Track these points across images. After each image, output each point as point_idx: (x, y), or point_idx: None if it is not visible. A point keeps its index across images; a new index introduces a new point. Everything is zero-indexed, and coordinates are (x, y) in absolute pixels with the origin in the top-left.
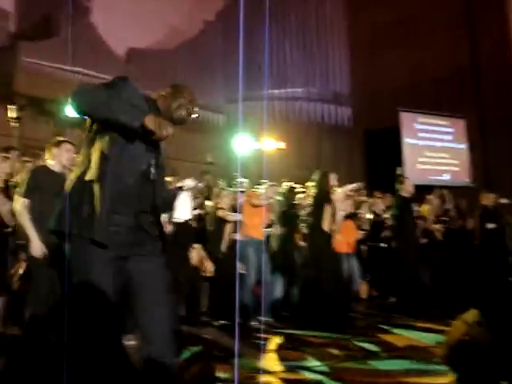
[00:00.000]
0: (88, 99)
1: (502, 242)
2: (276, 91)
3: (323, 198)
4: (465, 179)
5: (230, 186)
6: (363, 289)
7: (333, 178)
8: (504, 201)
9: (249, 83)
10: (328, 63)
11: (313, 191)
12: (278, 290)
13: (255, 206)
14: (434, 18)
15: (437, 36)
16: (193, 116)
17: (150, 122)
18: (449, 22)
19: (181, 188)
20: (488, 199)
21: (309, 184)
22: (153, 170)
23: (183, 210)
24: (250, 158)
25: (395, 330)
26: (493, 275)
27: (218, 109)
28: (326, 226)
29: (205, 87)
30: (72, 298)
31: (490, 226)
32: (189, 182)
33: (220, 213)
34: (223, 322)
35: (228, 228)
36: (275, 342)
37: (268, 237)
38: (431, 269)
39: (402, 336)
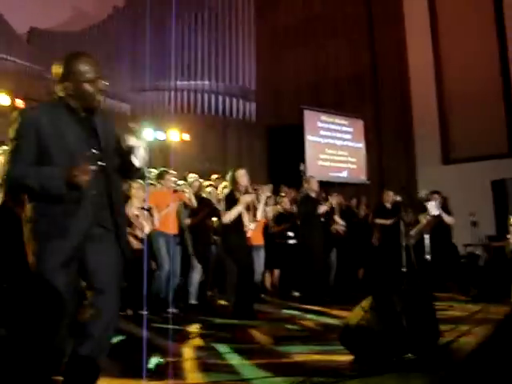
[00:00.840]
0: (15, 188)
1: (396, 237)
2: (184, 83)
3: (234, 193)
4: (361, 177)
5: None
6: (268, 281)
7: (243, 174)
8: (398, 198)
9: (156, 73)
10: (237, 59)
11: (226, 187)
12: (195, 282)
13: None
14: (337, 21)
15: (339, 38)
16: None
17: (70, 179)
18: (350, 24)
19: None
20: (386, 197)
21: (213, 177)
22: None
23: (142, 156)
24: (155, 149)
25: (300, 316)
26: (387, 267)
27: (123, 97)
28: (229, 218)
29: (111, 74)
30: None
31: (379, 221)
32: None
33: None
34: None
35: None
36: (187, 330)
37: (183, 229)
38: (336, 261)
39: (306, 321)
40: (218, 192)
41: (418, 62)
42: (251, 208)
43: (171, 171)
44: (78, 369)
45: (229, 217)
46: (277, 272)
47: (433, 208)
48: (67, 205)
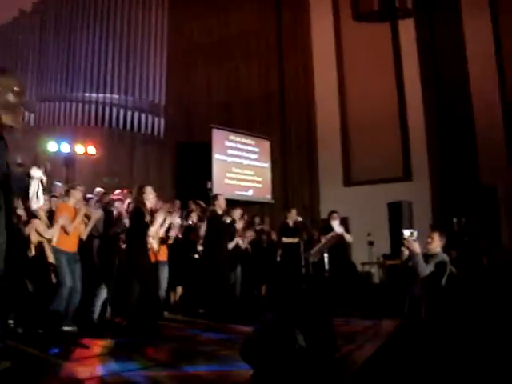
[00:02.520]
0: None
1: (297, 255)
2: (92, 95)
3: (139, 210)
4: (266, 195)
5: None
6: (173, 296)
7: (149, 192)
8: (299, 218)
9: (64, 83)
10: (148, 73)
11: (131, 203)
12: (101, 298)
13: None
14: (250, 43)
15: (251, 60)
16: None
17: None
18: (262, 48)
19: (29, 176)
20: (290, 215)
21: (117, 192)
22: None
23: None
24: (59, 162)
25: (203, 333)
26: (289, 283)
27: (27, 107)
28: (141, 235)
29: None
30: None
31: (285, 240)
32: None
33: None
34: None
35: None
36: (85, 348)
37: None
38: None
39: (209, 339)
40: (124, 207)
41: (324, 88)
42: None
43: (79, 187)
44: None
45: (152, 232)
46: (180, 289)
47: (337, 226)
48: None
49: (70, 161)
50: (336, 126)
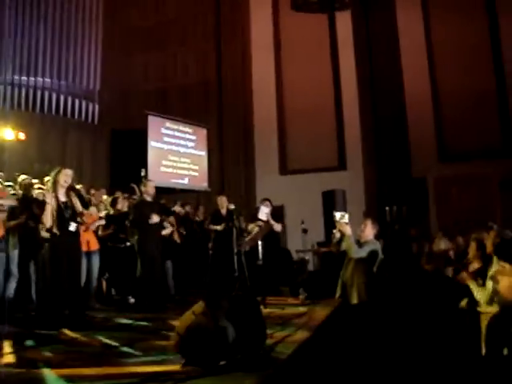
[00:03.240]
0: None
1: (229, 243)
2: (23, 78)
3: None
4: (203, 184)
5: None
6: (103, 287)
7: (66, 174)
8: (231, 206)
9: None
10: (82, 58)
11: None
12: (12, 290)
13: None
14: (187, 28)
15: (188, 45)
16: None
17: None
18: (200, 33)
19: None
20: (221, 202)
21: (46, 179)
22: None
23: None
24: None
25: (133, 324)
26: (220, 272)
27: None
28: (48, 223)
29: None
30: None
31: (212, 227)
32: None
33: None
34: None
35: None
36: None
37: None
38: (172, 267)
39: (139, 330)
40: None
41: (261, 76)
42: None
43: None
44: None
45: (47, 221)
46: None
47: (262, 213)
48: None
49: None
50: (273, 115)
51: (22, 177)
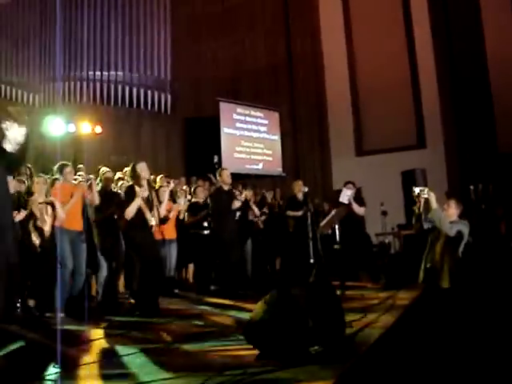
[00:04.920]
0: None
1: (305, 228)
2: (97, 73)
3: (133, 187)
4: (277, 169)
5: (45, 172)
6: (189, 273)
7: (142, 167)
8: (305, 189)
9: (67, 62)
10: (152, 49)
11: (126, 180)
12: (101, 280)
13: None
14: (254, 12)
15: (256, 29)
16: None
17: None
18: (267, 16)
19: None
20: (297, 187)
21: (125, 170)
22: None
23: (13, 137)
24: (65, 142)
25: (213, 312)
26: (296, 258)
27: (33, 88)
28: (129, 214)
29: (20, 63)
30: None
31: (290, 213)
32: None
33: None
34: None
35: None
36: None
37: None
38: (252, 255)
39: (218, 317)
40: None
41: (333, 55)
42: (155, 202)
43: (68, 163)
44: None
45: (129, 212)
46: (191, 266)
47: (344, 196)
48: None
49: (76, 141)
50: (346, 95)
51: (103, 169)
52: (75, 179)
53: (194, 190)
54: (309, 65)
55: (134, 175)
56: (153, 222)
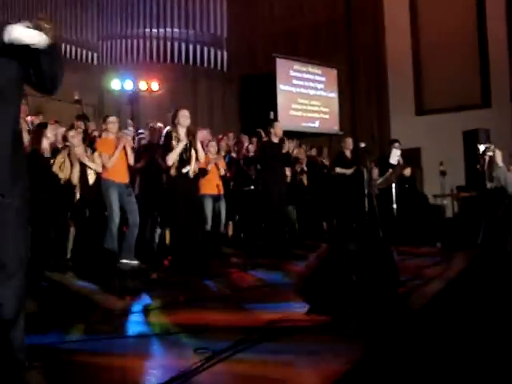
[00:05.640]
0: None
1: (359, 186)
2: (153, 31)
3: (171, 132)
4: (334, 127)
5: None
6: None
7: (186, 115)
8: (362, 145)
9: (124, 20)
10: (208, 5)
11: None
12: (147, 233)
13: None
14: None
15: None
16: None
17: None
18: None
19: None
20: (346, 144)
21: None
22: None
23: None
24: (123, 99)
25: (257, 271)
26: (350, 215)
27: (90, 46)
28: (170, 160)
29: (77, 22)
30: None
31: (338, 170)
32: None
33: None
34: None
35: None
36: (138, 283)
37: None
38: (298, 212)
39: (263, 274)
40: None
41: (394, 9)
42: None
43: (111, 115)
44: None
45: (170, 157)
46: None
47: (394, 157)
48: None
49: (133, 98)
50: (407, 50)
51: (151, 123)
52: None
53: (236, 143)
54: (369, 20)
55: (174, 121)
56: (187, 168)
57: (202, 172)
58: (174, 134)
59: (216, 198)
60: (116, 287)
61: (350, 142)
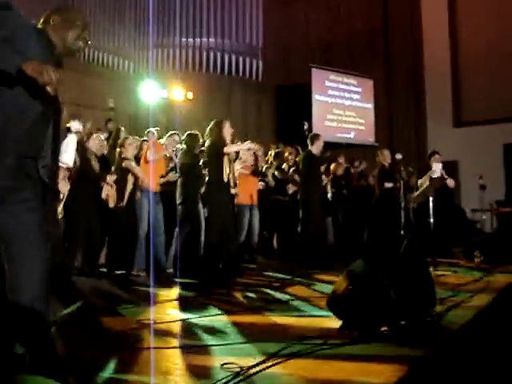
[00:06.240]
0: None
1: (396, 199)
2: (189, 40)
3: (216, 147)
4: (369, 138)
5: (139, 136)
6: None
7: (227, 127)
8: (399, 156)
9: (160, 30)
10: (244, 15)
11: (207, 141)
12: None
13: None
14: None
15: None
16: (88, 43)
17: (29, 68)
18: None
19: (68, 130)
20: (384, 157)
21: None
22: (45, 116)
23: (69, 153)
24: (158, 108)
25: (293, 280)
26: (386, 229)
27: (126, 55)
28: (220, 176)
29: (115, 32)
30: None
31: (388, 185)
32: (76, 125)
33: (126, 163)
34: (119, 272)
35: (131, 179)
36: (169, 292)
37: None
38: (335, 224)
39: (298, 286)
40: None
41: (432, 20)
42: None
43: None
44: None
45: (231, 148)
46: (274, 233)
47: (437, 171)
48: None
49: (168, 107)
50: (446, 60)
51: (188, 132)
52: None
53: (276, 154)
54: (406, 29)
55: (219, 133)
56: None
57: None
58: (218, 146)
59: (250, 208)
60: (147, 297)
61: (387, 154)
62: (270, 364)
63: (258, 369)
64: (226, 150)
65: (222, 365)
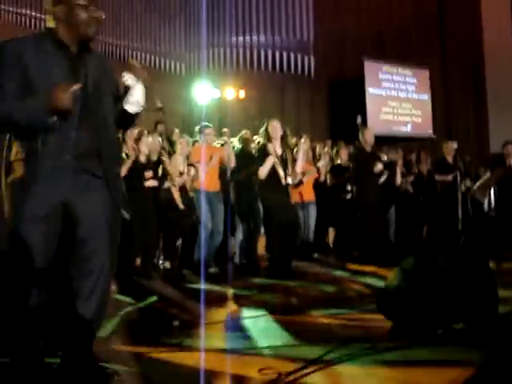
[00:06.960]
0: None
1: (455, 192)
2: (239, 38)
3: (265, 146)
4: (427, 130)
5: (191, 136)
6: (329, 238)
7: (277, 126)
8: (454, 145)
9: (210, 29)
10: (294, 10)
11: (259, 140)
12: (238, 241)
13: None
14: None
15: None
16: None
17: (52, 104)
18: None
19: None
20: (447, 149)
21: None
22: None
23: (136, 100)
24: (211, 107)
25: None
26: (443, 224)
27: (177, 56)
28: (263, 173)
29: (165, 34)
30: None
31: (445, 178)
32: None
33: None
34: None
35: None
36: (223, 291)
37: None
38: (396, 221)
39: (354, 283)
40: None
41: (492, 3)
42: (290, 162)
43: (209, 125)
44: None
45: (262, 171)
46: (332, 230)
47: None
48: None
49: (221, 106)
50: (508, 47)
51: (243, 131)
52: (218, 142)
53: (337, 151)
54: (463, 15)
55: (266, 133)
56: (288, 180)
57: (297, 184)
58: (269, 147)
59: (300, 206)
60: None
61: (451, 146)
62: (309, 371)
63: (296, 375)
64: (259, 176)
65: (260, 370)
